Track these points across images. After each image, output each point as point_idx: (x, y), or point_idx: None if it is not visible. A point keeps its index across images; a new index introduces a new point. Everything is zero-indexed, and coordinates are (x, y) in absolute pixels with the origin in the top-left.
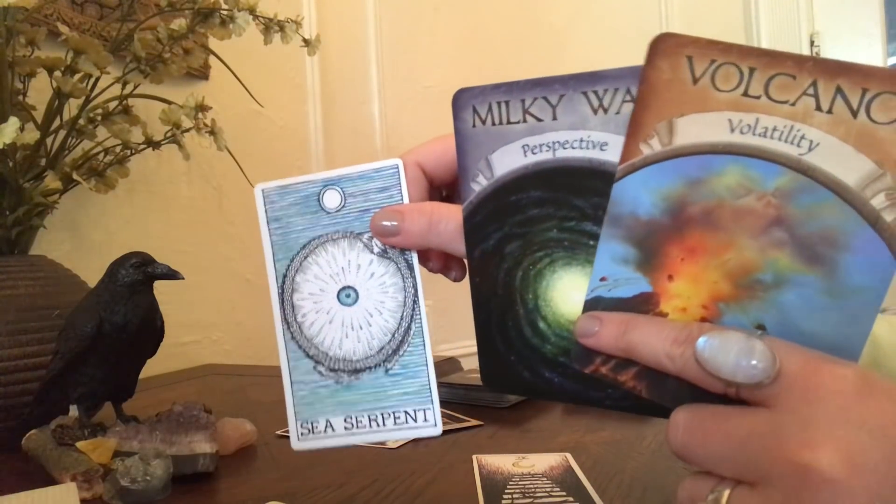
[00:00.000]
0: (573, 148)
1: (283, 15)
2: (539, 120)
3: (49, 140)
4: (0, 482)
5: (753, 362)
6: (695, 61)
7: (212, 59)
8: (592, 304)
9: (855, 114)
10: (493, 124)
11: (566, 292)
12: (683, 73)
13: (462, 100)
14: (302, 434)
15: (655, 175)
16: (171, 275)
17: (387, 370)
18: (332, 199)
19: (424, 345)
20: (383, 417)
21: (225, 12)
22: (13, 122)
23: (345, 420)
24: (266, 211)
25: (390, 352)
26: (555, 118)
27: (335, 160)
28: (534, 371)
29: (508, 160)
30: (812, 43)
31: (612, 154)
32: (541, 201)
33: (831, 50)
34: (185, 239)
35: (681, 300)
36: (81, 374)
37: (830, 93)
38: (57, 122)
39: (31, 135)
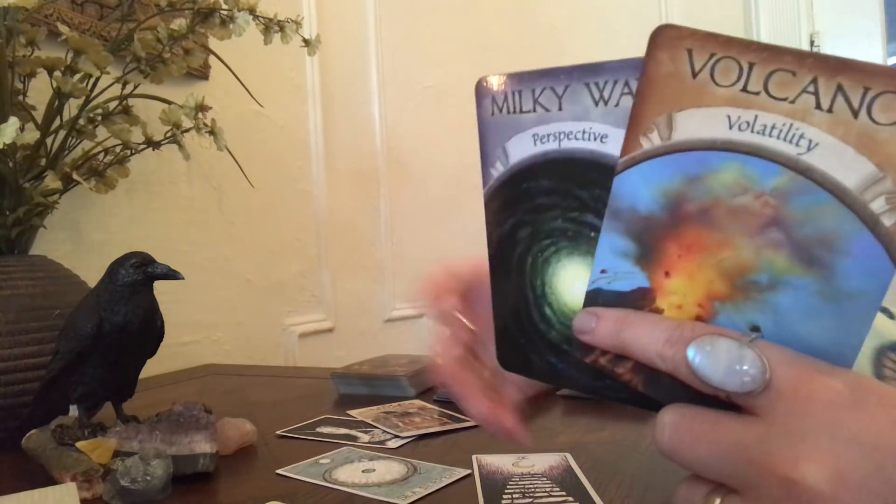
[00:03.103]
0: (577, 139)
1: (283, 15)
2: (547, 110)
3: (49, 140)
4: (0, 482)
5: (744, 371)
6: (694, 54)
7: (212, 59)
8: (593, 296)
9: (856, 114)
10: (509, 113)
11: (569, 282)
12: (683, 66)
13: (484, 87)
14: None
15: (655, 170)
16: (171, 275)
17: None
18: None
19: None
20: None
21: (225, 12)
22: (13, 122)
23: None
24: None
25: None
26: (560, 108)
27: (335, 160)
28: (541, 356)
29: (521, 148)
30: (812, 43)
31: (611, 147)
32: (549, 190)
33: (831, 50)
34: (185, 239)
35: (677, 297)
36: (81, 374)
37: (831, 91)
38: (57, 122)
39: (31, 135)
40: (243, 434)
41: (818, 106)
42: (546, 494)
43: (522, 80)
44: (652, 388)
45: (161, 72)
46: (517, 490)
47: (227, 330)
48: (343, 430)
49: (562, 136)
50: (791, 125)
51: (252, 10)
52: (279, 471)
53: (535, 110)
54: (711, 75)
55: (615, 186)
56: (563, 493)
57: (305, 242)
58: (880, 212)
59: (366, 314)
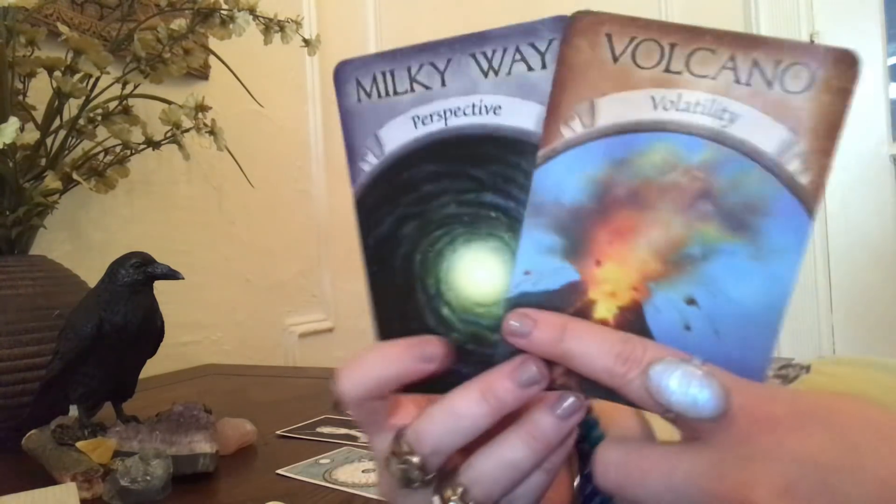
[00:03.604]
0: (465, 115)
1: (283, 15)
2: (427, 88)
3: (49, 140)
4: (0, 482)
5: (705, 398)
6: (614, 39)
7: (212, 59)
8: (517, 302)
9: (770, 84)
10: (380, 97)
11: (470, 271)
12: (603, 51)
13: (344, 73)
14: None
15: (579, 158)
16: (171, 275)
17: None
18: None
19: None
20: None
21: (225, 12)
22: (13, 122)
23: None
24: None
25: None
26: (444, 84)
27: (335, 160)
28: None
29: (398, 134)
30: (812, 43)
31: (507, 118)
32: (436, 175)
33: None
34: (185, 239)
35: (609, 284)
36: (81, 374)
37: (748, 65)
38: (57, 122)
39: (31, 135)
40: (243, 434)
41: (737, 80)
42: None
43: (395, 58)
44: (588, 387)
45: (161, 72)
46: None
47: (227, 330)
48: (343, 430)
49: (447, 114)
50: (714, 100)
51: (252, 10)
52: (279, 471)
53: (412, 90)
54: (633, 58)
55: (536, 181)
56: None
57: (305, 242)
58: (796, 172)
59: (366, 314)
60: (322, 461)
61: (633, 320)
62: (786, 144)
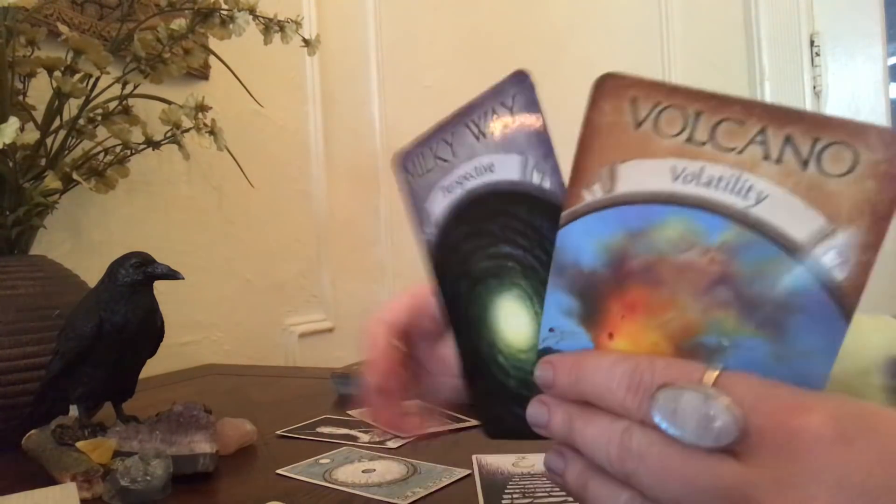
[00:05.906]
0: (473, 177)
1: (283, 15)
2: (445, 161)
3: (49, 140)
4: (0, 482)
5: (715, 427)
6: (639, 104)
7: (212, 59)
8: (544, 355)
9: (805, 164)
10: (420, 175)
11: (506, 320)
12: (626, 115)
13: (398, 160)
14: None
15: (597, 224)
16: (171, 275)
17: None
18: None
19: None
20: None
21: (225, 12)
22: (13, 122)
23: None
24: None
25: None
26: (455, 154)
27: (335, 160)
28: (507, 408)
29: (438, 205)
30: (812, 43)
31: (499, 173)
32: (467, 235)
33: (831, 50)
34: (185, 239)
35: None
36: (81, 374)
37: (779, 141)
38: (57, 122)
39: (31, 135)
40: (243, 434)
41: (766, 157)
42: (546, 494)
43: (421, 141)
44: None
45: (161, 72)
46: (517, 490)
47: (227, 330)
48: (343, 430)
49: (462, 180)
50: (739, 177)
51: (252, 10)
52: (279, 471)
53: (437, 165)
54: (655, 125)
55: (559, 240)
56: (563, 494)
57: (305, 242)
58: (832, 266)
59: (366, 314)
60: (322, 461)
61: None
62: (820, 233)
